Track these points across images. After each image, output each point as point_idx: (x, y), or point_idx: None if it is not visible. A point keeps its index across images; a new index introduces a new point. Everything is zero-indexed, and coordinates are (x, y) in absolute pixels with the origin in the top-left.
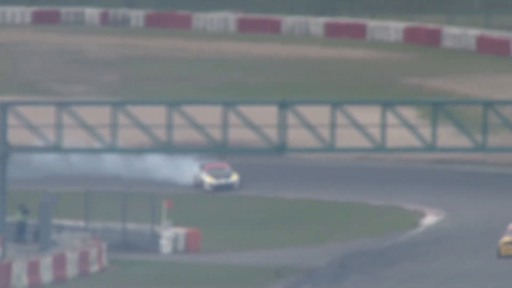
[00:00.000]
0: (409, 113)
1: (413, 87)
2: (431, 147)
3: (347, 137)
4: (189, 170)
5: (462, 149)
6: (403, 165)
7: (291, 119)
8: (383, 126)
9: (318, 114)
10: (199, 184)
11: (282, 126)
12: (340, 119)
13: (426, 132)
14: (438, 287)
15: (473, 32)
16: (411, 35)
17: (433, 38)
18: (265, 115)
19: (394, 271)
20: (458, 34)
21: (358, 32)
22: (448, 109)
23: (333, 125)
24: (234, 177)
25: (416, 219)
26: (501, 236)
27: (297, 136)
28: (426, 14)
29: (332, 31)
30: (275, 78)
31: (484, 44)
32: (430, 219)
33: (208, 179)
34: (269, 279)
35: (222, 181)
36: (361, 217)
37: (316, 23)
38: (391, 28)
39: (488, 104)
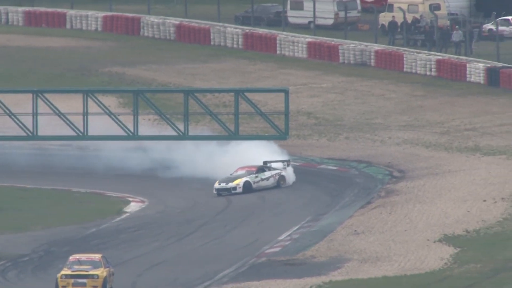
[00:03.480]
0: (111, 101)
1: (114, 76)
2: (133, 136)
3: (51, 126)
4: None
5: (165, 137)
6: (106, 153)
7: None
8: (85, 114)
9: (20, 102)
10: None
11: None
12: (43, 107)
13: (128, 120)
14: (142, 274)
15: (172, 21)
16: (110, 24)
17: (132, 27)
18: None
19: None
20: (157, 23)
21: (58, 21)
22: (149, 98)
23: (35, 114)
24: (236, 182)
25: (119, 206)
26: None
27: (1, 125)
28: (125, 4)
29: (32, 20)
30: None
31: (183, 33)
32: (133, 206)
33: (216, 184)
34: None
35: (223, 185)
36: (65, 204)
37: (16, 12)
38: (91, 17)
39: (189, 93)
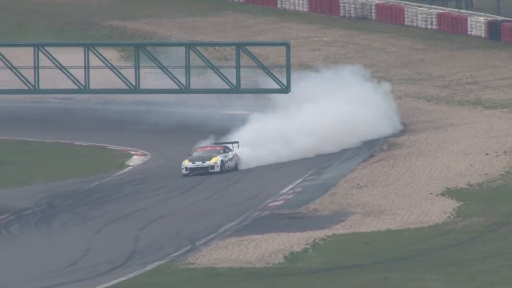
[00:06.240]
0: (113, 55)
1: (115, 29)
2: (135, 89)
3: (52, 79)
4: None
5: (166, 91)
6: (108, 107)
7: None
8: (87, 67)
9: (22, 56)
10: None
11: None
12: (44, 61)
13: (130, 73)
14: (145, 227)
15: None
16: None
17: None
18: None
19: (101, 211)
20: None
21: None
22: (151, 51)
23: (36, 67)
24: (214, 160)
25: (122, 160)
26: None
27: (3, 79)
28: None
29: None
30: None
31: None
32: (136, 159)
33: (185, 162)
34: None
35: (198, 163)
36: (68, 158)
37: None
38: None
39: (190, 46)
